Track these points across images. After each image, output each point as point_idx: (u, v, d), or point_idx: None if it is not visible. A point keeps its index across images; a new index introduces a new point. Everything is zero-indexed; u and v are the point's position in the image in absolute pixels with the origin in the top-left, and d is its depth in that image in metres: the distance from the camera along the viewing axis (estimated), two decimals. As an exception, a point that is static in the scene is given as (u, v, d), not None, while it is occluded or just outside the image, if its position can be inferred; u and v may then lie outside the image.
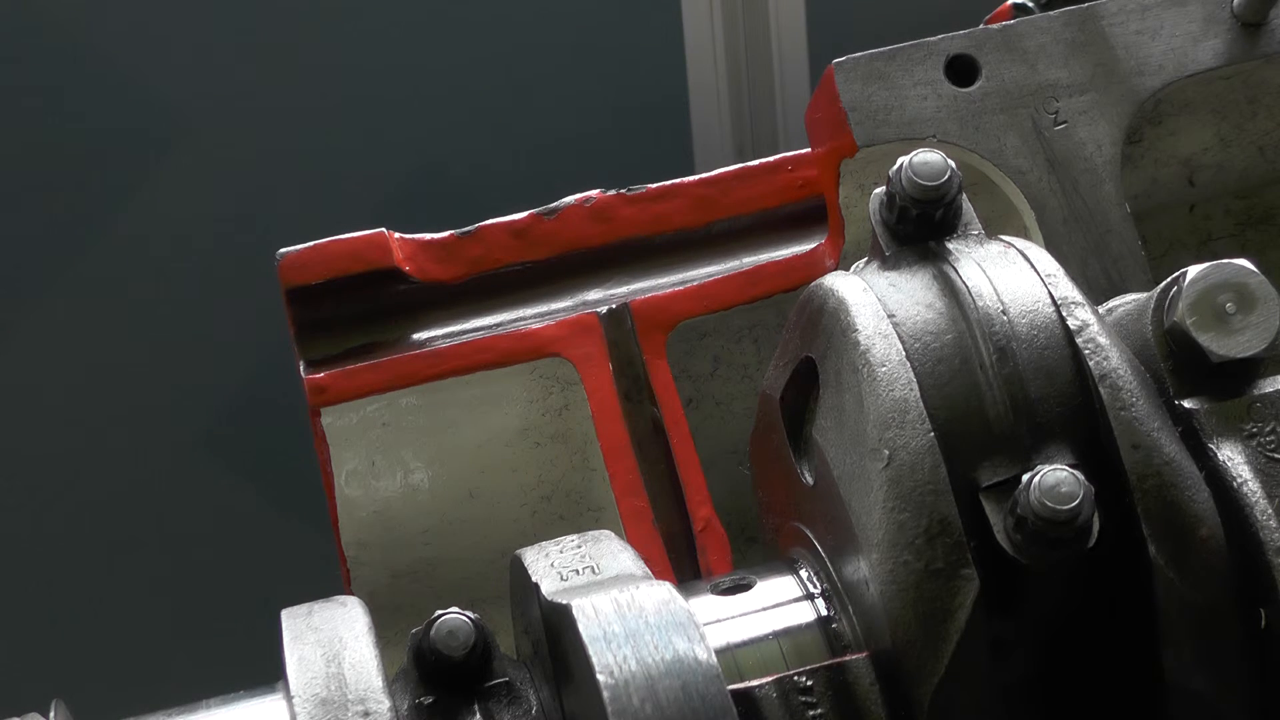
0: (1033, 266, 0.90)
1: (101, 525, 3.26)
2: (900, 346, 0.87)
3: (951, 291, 0.89)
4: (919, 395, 0.85)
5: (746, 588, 0.95)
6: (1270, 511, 0.84)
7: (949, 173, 0.92)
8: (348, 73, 3.27)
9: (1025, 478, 0.81)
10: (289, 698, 0.84)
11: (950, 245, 0.93)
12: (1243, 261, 0.90)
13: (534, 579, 0.87)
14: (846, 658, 0.86)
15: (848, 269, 0.96)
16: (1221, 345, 0.88)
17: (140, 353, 3.24)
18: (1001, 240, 0.94)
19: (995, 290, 0.89)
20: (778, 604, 0.93)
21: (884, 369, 0.86)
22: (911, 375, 0.86)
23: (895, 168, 0.93)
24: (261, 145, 3.25)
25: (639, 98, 3.36)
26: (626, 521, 1.33)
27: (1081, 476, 0.81)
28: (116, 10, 3.18)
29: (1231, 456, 0.86)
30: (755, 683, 0.84)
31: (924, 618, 0.82)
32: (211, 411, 3.29)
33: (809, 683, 0.85)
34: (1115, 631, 0.84)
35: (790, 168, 1.44)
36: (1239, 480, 0.85)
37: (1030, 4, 1.45)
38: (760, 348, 1.44)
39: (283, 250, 1.36)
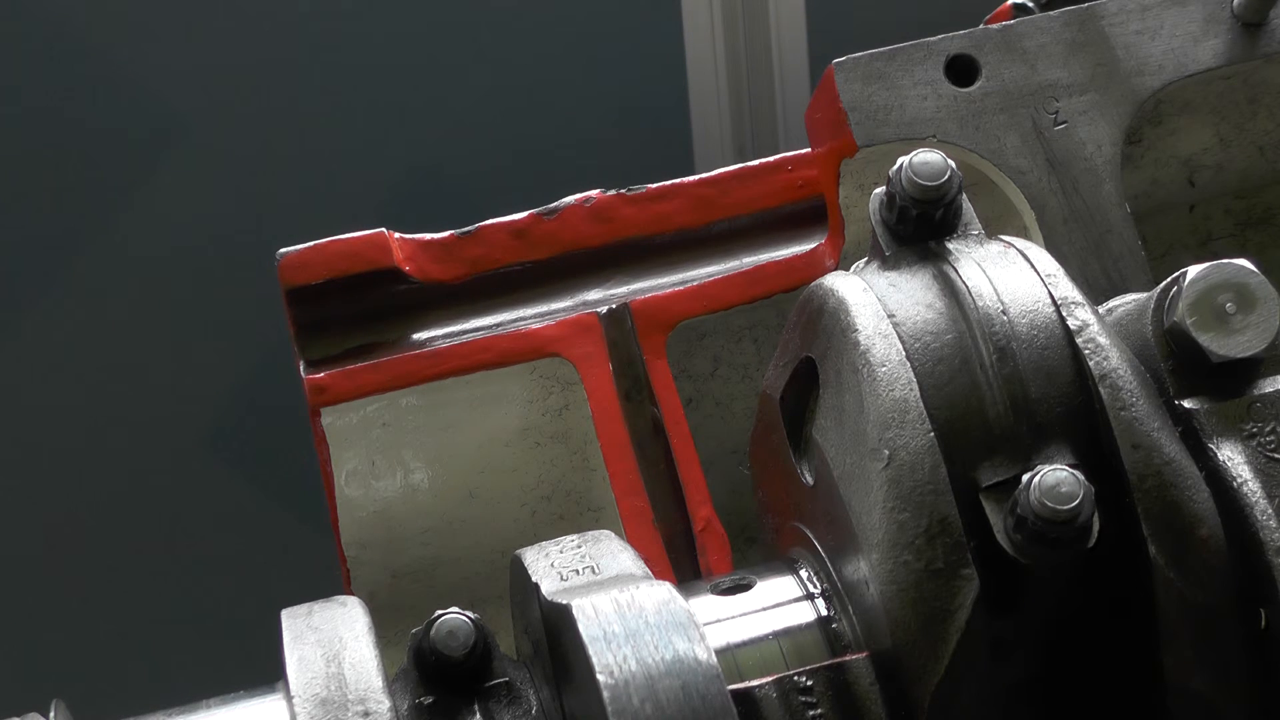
0: (1033, 266, 0.90)
1: (102, 525, 3.26)
2: (900, 346, 0.87)
3: (951, 291, 0.89)
4: (919, 395, 0.85)
5: (746, 588, 0.95)
6: (1270, 511, 0.84)
7: (949, 173, 0.92)
8: (348, 73, 3.27)
9: (1025, 478, 0.81)
10: (289, 698, 0.84)
11: (950, 245, 0.93)
12: (1243, 261, 0.90)
13: (534, 579, 0.87)
14: (846, 658, 0.86)
15: (848, 269, 0.96)
16: (1221, 345, 0.88)
17: (140, 353, 3.24)
18: (1001, 240, 0.94)
19: (995, 290, 0.89)
20: (778, 604, 0.93)
21: (884, 369, 0.86)
22: (911, 375, 0.86)
23: (895, 168, 0.93)
24: (261, 145, 3.25)
25: (639, 98, 3.36)
26: (626, 521, 1.33)
27: (1081, 476, 0.81)
28: (116, 11, 3.18)
29: (1231, 456, 0.86)
30: (755, 683, 0.84)
31: (924, 618, 0.82)
32: (211, 411, 3.29)
33: (809, 683, 0.85)
34: (1115, 631, 0.84)
35: (790, 168, 1.44)
36: (1239, 480, 0.85)
37: (1030, 4, 1.45)
38: (760, 348, 1.44)
39: (283, 250, 1.36)
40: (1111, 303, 0.99)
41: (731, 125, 3.35)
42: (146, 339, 3.24)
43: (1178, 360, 0.89)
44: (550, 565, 0.89)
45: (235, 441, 3.29)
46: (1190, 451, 0.85)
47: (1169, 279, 0.92)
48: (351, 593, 1.16)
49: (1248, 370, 0.88)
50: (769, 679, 0.85)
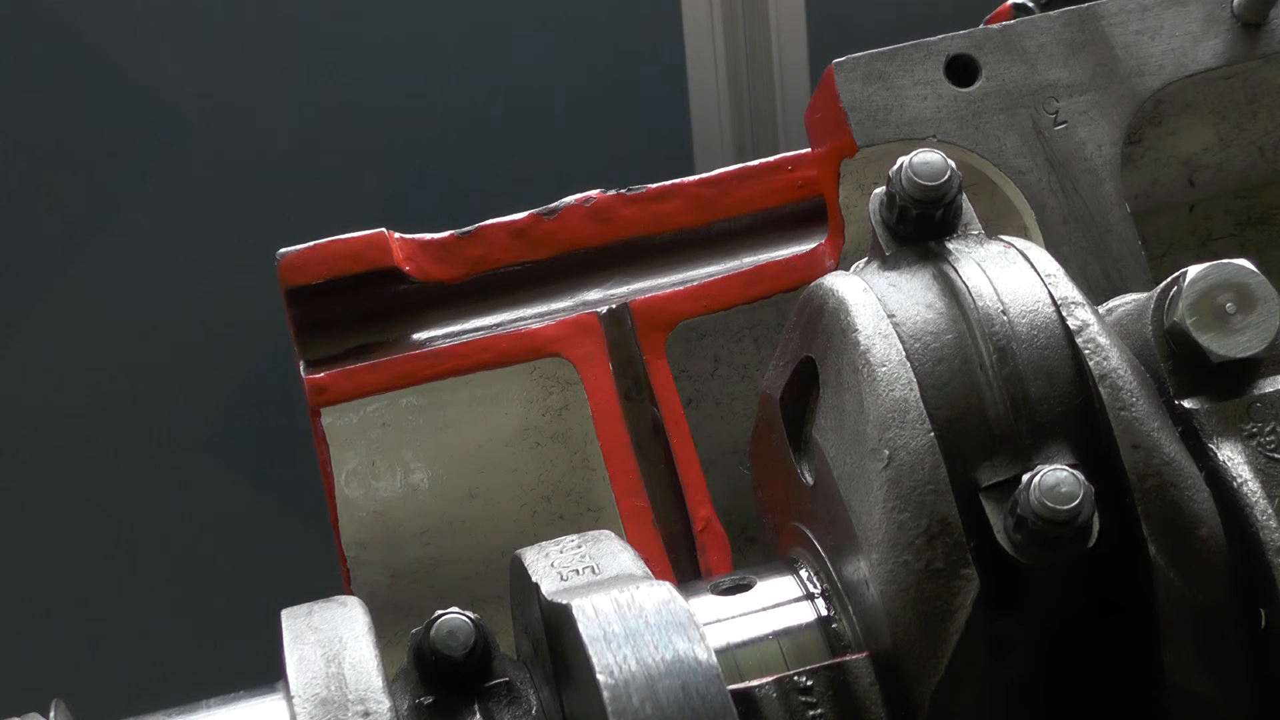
0: (1033, 266, 0.90)
1: (101, 525, 3.26)
2: (900, 346, 0.87)
3: (951, 291, 0.89)
4: (919, 395, 0.85)
5: (746, 588, 0.95)
6: (1270, 511, 0.84)
7: (949, 173, 0.92)
8: (348, 73, 3.27)
9: (1025, 478, 0.81)
10: (289, 698, 0.84)
11: (950, 245, 0.93)
12: (1243, 261, 0.90)
13: (534, 579, 0.87)
14: (846, 658, 0.86)
15: (848, 269, 0.96)
16: (1221, 345, 0.88)
17: (140, 353, 3.24)
18: (1001, 240, 0.94)
19: (995, 290, 0.89)
20: (778, 604, 0.93)
21: (884, 369, 0.86)
22: (911, 375, 0.86)
23: (895, 168, 0.93)
24: (261, 145, 3.25)
25: (639, 98, 3.36)
26: (626, 521, 1.33)
27: (1081, 476, 0.81)
28: (117, 10, 3.18)
29: (1231, 456, 0.86)
30: (755, 683, 0.84)
31: (924, 618, 0.82)
32: (211, 411, 3.29)
33: (809, 683, 0.85)
34: (1115, 631, 0.84)
35: (790, 168, 1.44)
36: (1239, 480, 0.85)
37: (1030, 4, 1.45)
38: (760, 348, 1.44)
39: (283, 250, 1.36)
40: (1111, 303, 0.99)
41: (731, 125, 3.35)
42: (146, 339, 3.24)
43: (1178, 360, 0.89)
44: (550, 565, 0.89)
45: (235, 441, 3.29)
46: (1190, 451, 0.85)
47: (1169, 279, 0.92)
48: (351, 593, 1.16)
49: (1248, 370, 0.88)
50: (769, 679, 0.85)
